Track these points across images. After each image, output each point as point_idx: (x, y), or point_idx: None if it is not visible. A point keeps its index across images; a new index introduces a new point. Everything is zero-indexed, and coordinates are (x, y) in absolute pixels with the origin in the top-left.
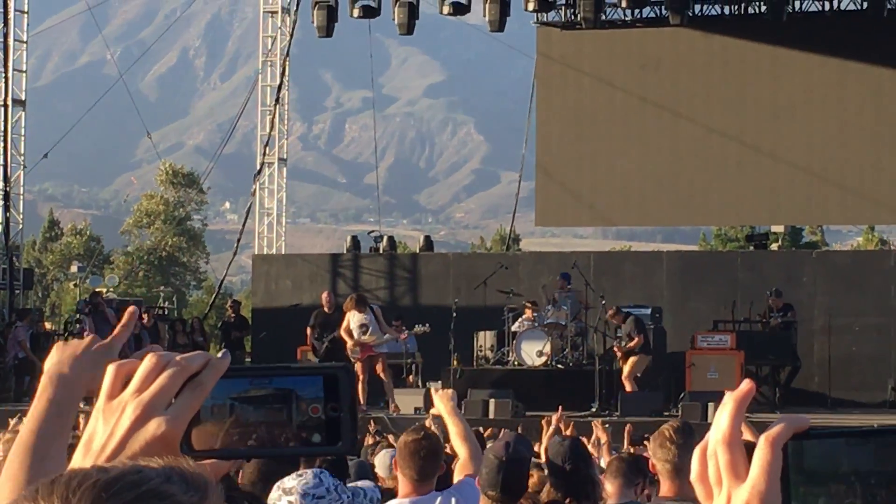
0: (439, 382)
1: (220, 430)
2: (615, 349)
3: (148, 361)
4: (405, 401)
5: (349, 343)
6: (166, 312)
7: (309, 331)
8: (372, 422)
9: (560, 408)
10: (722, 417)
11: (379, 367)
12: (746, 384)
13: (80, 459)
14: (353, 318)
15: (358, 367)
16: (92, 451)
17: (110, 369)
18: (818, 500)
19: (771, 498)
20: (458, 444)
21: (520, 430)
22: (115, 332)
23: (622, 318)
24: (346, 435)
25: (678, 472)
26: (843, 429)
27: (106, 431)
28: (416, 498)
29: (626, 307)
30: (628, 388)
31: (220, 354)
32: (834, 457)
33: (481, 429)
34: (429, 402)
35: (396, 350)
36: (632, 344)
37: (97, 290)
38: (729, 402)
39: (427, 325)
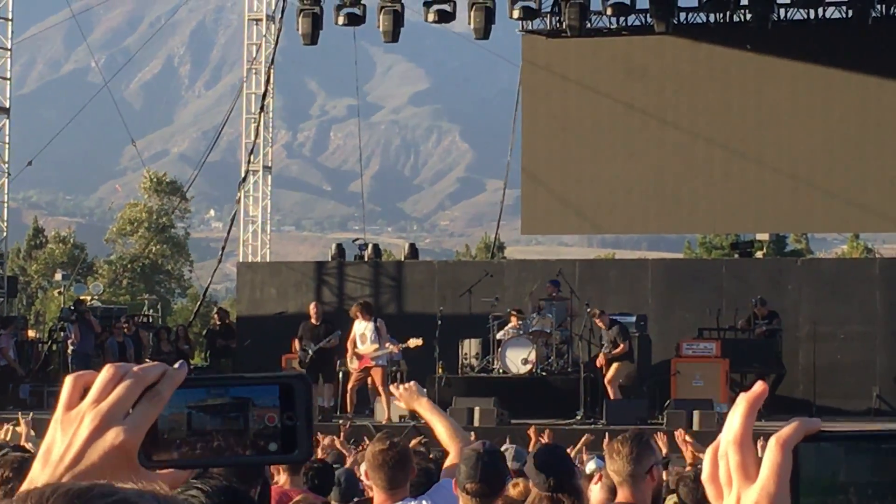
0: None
1: (178, 440)
2: (601, 356)
3: (105, 372)
4: (391, 410)
5: (349, 352)
6: (150, 320)
7: (297, 342)
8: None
9: (548, 431)
10: (734, 418)
11: (378, 380)
12: (759, 386)
13: (39, 470)
14: (357, 327)
15: (353, 377)
16: (50, 461)
17: (68, 381)
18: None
19: (780, 500)
20: (446, 441)
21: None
22: None
23: (606, 323)
24: (302, 443)
25: (630, 479)
26: (854, 433)
27: (64, 442)
28: None
29: (611, 315)
30: (611, 392)
31: (176, 365)
32: (831, 464)
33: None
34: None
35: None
36: (616, 351)
37: (81, 297)
38: (741, 402)
39: (421, 339)
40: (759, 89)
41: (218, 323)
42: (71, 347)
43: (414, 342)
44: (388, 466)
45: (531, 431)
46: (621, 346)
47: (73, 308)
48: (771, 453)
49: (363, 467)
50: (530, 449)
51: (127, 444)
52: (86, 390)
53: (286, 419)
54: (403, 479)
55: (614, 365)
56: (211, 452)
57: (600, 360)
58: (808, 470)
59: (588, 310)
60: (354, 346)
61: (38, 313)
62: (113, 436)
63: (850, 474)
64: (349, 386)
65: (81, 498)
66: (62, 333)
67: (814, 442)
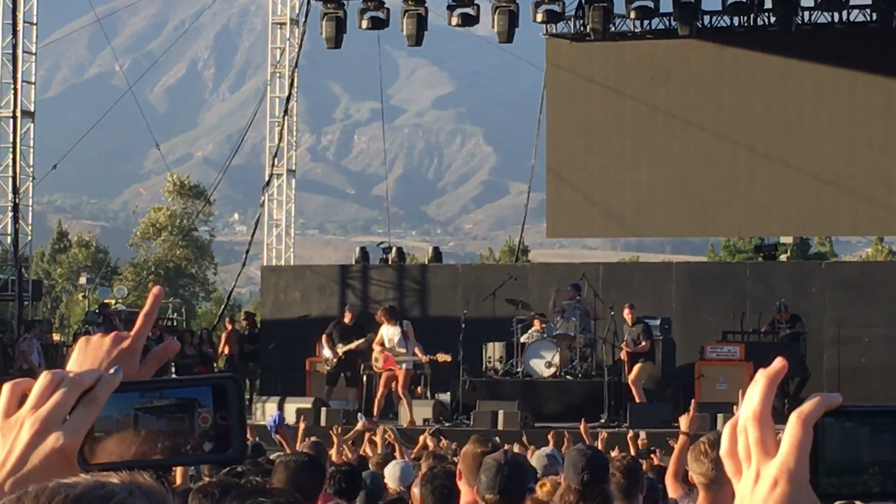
0: (448, 394)
1: (124, 441)
2: (623, 347)
3: (43, 379)
4: (414, 412)
5: (375, 351)
6: (175, 324)
7: (324, 338)
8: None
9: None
10: (753, 394)
11: (401, 383)
12: (779, 362)
13: None
14: (384, 331)
15: (382, 380)
16: None
17: (5, 388)
18: (840, 484)
19: (800, 475)
20: None
21: (525, 440)
22: (139, 323)
23: (633, 319)
24: (236, 442)
25: (714, 484)
26: (873, 408)
27: (5, 448)
28: None
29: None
30: (636, 393)
31: (112, 370)
32: (855, 443)
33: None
34: (437, 414)
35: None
36: (638, 348)
37: (105, 301)
38: (760, 379)
39: (450, 356)
40: (783, 92)
41: (246, 328)
42: None
43: (442, 357)
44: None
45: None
46: (644, 343)
47: (99, 311)
48: (791, 429)
49: (388, 469)
50: (564, 450)
51: (66, 448)
52: (24, 397)
53: (220, 419)
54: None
55: (637, 366)
56: (155, 453)
57: (624, 352)
58: (832, 450)
59: (612, 315)
60: (383, 347)
61: (63, 317)
62: (52, 440)
63: (875, 454)
64: (380, 392)
65: None
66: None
67: (834, 417)
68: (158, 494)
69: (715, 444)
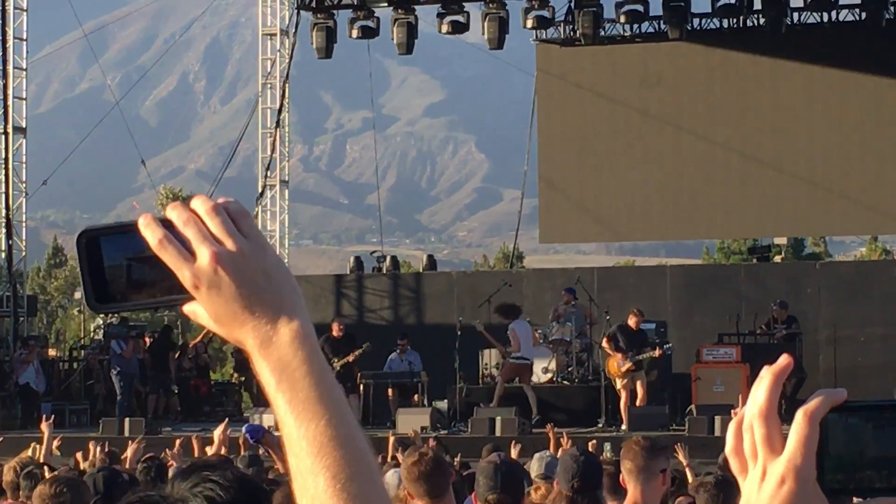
0: (445, 401)
1: (120, 292)
2: (655, 354)
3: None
4: (410, 420)
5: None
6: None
7: None
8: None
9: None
10: (759, 391)
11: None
12: (784, 358)
13: None
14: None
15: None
16: None
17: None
18: (843, 480)
19: (806, 472)
20: None
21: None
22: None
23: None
24: None
25: (642, 476)
26: (879, 403)
27: None
28: None
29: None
30: (641, 399)
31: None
32: (858, 439)
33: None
34: (434, 422)
35: (402, 369)
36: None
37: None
38: (766, 375)
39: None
40: (774, 93)
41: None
42: (117, 367)
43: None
44: (426, 476)
45: (550, 432)
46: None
47: (124, 329)
48: (798, 426)
49: (387, 477)
50: (550, 448)
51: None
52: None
53: None
54: (445, 485)
55: (640, 380)
56: (154, 297)
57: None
58: (836, 445)
59: (607, 319)
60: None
61: (59, 332)
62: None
63: (878, 449)
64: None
65: None
66: (83, 351)
67: (840, 413)
68: None
69: (647, 439)
